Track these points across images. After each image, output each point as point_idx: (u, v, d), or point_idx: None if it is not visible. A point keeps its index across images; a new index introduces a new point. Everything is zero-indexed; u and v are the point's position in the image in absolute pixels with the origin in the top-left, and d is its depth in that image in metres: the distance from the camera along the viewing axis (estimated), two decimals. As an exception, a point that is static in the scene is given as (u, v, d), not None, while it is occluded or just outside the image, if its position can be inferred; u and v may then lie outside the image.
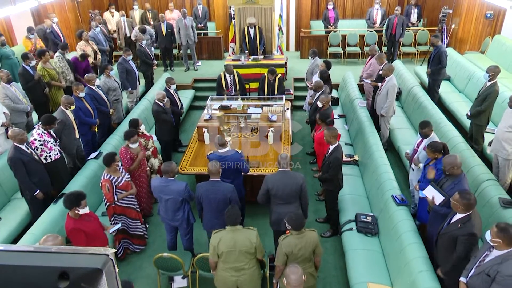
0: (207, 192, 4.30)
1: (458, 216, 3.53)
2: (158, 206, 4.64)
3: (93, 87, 6.57)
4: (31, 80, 6.81)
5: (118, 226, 4.54)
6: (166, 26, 10.02)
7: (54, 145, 5.22)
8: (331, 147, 4.88)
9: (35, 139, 5.00)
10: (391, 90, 6.38)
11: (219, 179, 4.34)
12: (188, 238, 4.72)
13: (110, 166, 4.56)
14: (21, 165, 4.66)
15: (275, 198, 4.34)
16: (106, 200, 4.67)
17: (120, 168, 4.71)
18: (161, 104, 6.22)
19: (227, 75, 7.65)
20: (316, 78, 7.35)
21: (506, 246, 2.99)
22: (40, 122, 5.13)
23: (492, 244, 3.06)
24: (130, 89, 7.87)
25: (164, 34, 10.04)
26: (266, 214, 5.78)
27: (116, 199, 4.62)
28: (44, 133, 5.09)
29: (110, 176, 4.59)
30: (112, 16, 11.08)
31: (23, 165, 4.67)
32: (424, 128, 4.89)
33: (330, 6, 11.21)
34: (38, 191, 4.84)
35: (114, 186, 4.60)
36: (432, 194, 4.01)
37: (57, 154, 5.25)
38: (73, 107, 5.72)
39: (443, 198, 3.90)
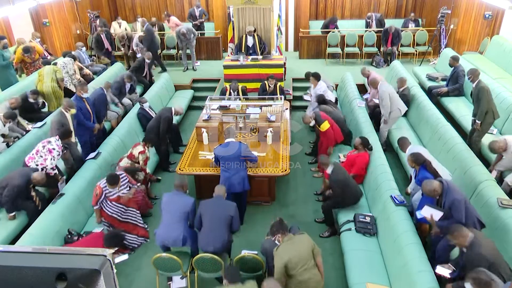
0: (209, 208, 4.32)
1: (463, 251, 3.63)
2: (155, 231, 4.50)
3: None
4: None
5: (125, 258, 4.40)
6: (146, 29, 9.98)
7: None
8: (328, 172, 5.03)
9: (53, 149, 5.23)
10: (383, 96, 6.58)
11: (224, 198, 4.48)
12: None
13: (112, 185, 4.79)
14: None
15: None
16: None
17: (123, 179, 4.97)
18: (173, 116, 6.61)
19: (232, 92, 7.72)
20: (313, 92, 7.53)
21: None
22: (58, 135, 5.36)
23: None
24: (117, 101, 7.96)
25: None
26: (264, 214, 5.81)
27: (97, 205, 4.81)
28: (61, 145, 5.35)
29: (105, 186, 4.76)
30: (120, 26, 11.53)
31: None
32: (399, 144, 5.35)
33: (335, 23, 11.43)
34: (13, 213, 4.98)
35: (103, 196, 4.77)
36: (430, 212, 4.15)
37: (55, 169, 5.41)
38: (73, 110, 5.79)
39: (441, 213, 4.07)
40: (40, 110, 7.20)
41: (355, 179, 5.70)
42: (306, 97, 7.99)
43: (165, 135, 6.56)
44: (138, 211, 5.20)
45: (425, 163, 4.60)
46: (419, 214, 4.29)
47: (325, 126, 6.07)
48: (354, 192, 5.08)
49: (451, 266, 3.79)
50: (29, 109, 6.92)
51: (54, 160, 5.24)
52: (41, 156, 5.18)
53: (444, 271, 3.81)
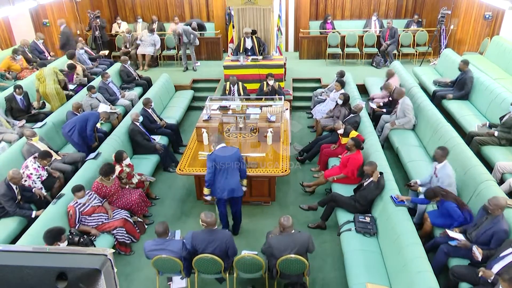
0: (203, 242, 4.13)
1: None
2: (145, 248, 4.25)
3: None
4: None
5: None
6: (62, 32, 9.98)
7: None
8: (371, 179, 5.05)
9: (31, 173, 5.33)
10: (409, 109, 6.85)
11: (216, 227, 4.21)
12: None
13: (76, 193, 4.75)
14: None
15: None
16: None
17: (89, 194, 4.92)
18: (137, 124, 6.56)
19: (231, 86, 7.71)
20: (333, 95, 7.68)
21: None
22: (37, 157, 5.40)
23: None
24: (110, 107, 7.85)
25: None
26: (264, 214, 5.80)
27: (77, 225, 4.77)
28: (39, 167, 5.42)
29: (75, 202, 4.76)
30: (119, 27, 11.79)
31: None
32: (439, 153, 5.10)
33: (329, 21, 11.57)
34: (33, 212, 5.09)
35: (78, 213, 4.76)
36: (455, 236, 4.28)
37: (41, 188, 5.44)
38: (35, 139, 5.78)
39: (461, 235, 4.29)
40: (29, 109, 7.20)
41: (349, 179, 5.68)
42: (322, 97, 8.19)
43: (142, 147, 6.58)
44: (121, 210, 5.22)
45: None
46: (454, 242, 4.26)
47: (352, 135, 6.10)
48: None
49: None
50: (19, 108, 6.92)
51: (35, 183, 5.36)
52: (25, 180, 5.30)
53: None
